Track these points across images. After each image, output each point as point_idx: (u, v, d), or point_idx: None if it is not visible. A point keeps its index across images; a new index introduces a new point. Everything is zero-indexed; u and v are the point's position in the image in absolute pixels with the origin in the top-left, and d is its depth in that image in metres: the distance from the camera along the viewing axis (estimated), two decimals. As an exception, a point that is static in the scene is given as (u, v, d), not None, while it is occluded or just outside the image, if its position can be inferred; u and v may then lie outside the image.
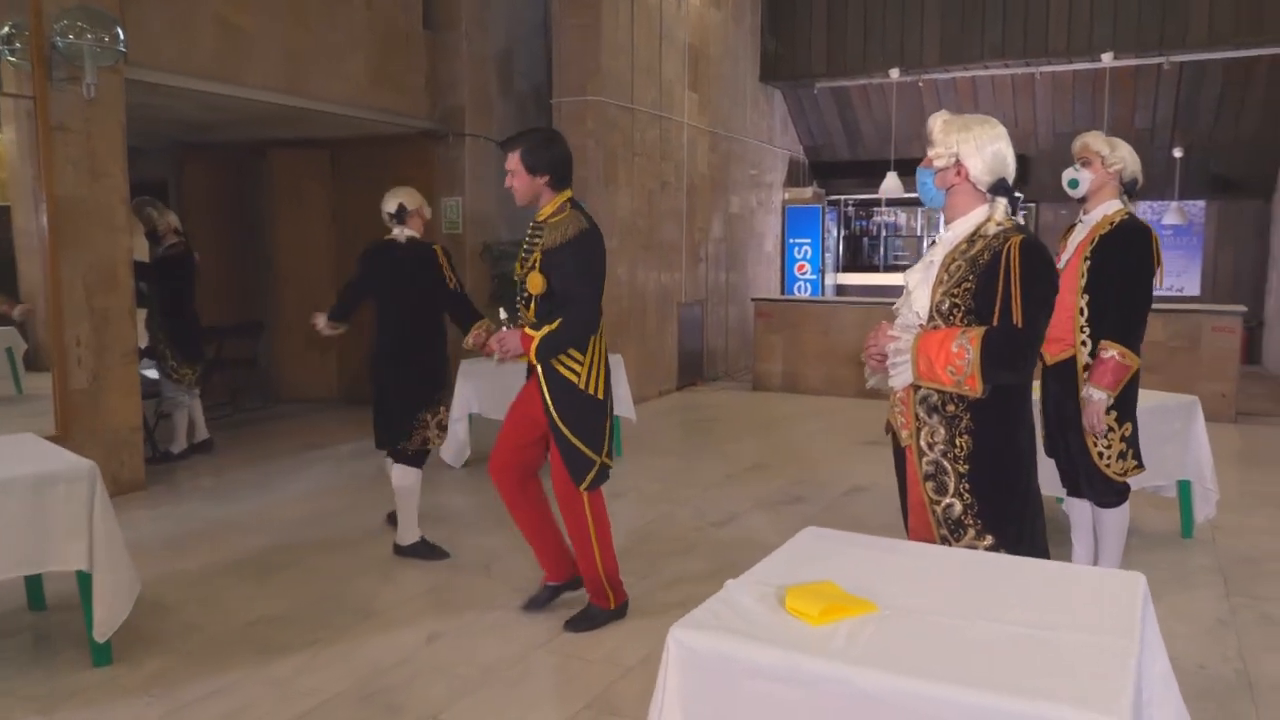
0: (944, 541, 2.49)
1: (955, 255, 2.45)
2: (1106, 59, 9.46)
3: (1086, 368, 3.53)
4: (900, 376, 2.46)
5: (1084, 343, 3.54)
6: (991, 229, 2.41)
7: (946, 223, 2.54)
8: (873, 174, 13.21)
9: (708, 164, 10.19)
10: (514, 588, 4.07)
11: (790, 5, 11.12)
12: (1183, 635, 3.56)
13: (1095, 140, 3.65)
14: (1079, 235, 3.65)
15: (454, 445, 6.33)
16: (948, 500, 2.47)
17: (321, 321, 4.60)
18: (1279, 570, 4.37)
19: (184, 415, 6.68)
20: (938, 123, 2.51)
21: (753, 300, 10.12)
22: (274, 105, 6.72)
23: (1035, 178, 12.60)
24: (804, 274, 12.35)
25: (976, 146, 2.43)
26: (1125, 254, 3.48)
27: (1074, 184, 3.65)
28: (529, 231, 3.58)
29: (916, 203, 13.01)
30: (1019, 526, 2.46)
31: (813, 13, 11.00)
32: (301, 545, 4.71)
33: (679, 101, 9.49)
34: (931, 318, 2.46)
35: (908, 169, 11.16)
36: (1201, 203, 12.02)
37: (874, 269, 13.32)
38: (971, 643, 1.80)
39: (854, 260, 13.45)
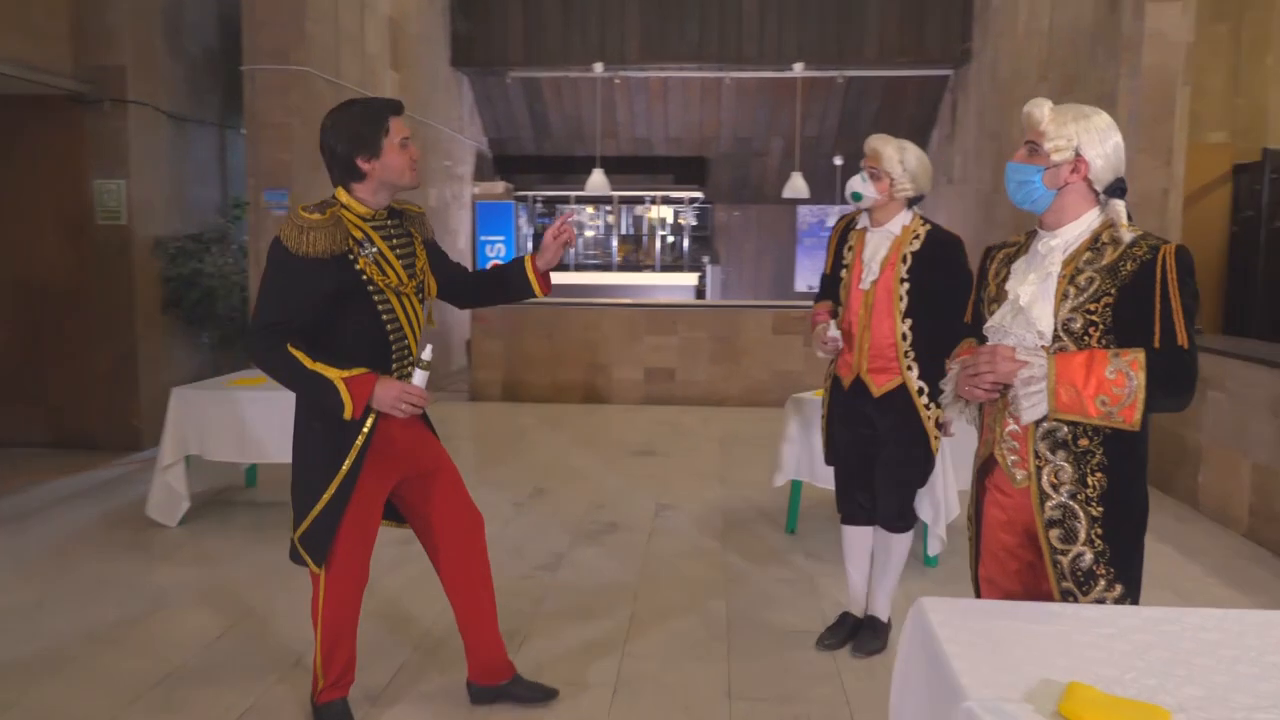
0: (1067, 596, 2.11)
1: (1079, 265, 2.08)
2: (798, 69, 9.95)
3: (921, 391, 3.26)
4: (1035, 409, 2.03)
5: (909, 367, 3.26)
6: (1125, 235, 2.06)
7: (1051, 227, 2.14)
8: (560, 170, 12.96)
9: (409, 152, 9.18)
10: (366, 693, 3.08)
11: (483, -13, 10.41)
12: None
13: (884, 146, 3.28)
14: (880, 251, 3.28)
15: (167, 498, 4.91)
16: (1078, 549, 2.09)
17: None
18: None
19: None
20: (1045, 111, 2.10)
21: (469, 303, 9.30)
22: None
23: (714, 179, 13.10)
24: (498, 274, 11.71)
25: (1099, 138, 2.07)
26: (947, 266, 3.23)
27: (857, 197, 3.26)
28: (380, 223, 2.65)
29: (607, 200, 12.96)
30: (1141, 570, 2.15)
31: (508, -2, 10.39)
32: (-1, 674, 3.25)
33: (382, 81, 8.41)
34: (1057, 338, 2.07)
35: (609, 166, 11.07)
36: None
37: (564, 268, 13.03)
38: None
39: (543, 259, 13.07)
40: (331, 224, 2.51)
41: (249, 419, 4.90)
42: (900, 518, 3.41)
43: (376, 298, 2.58)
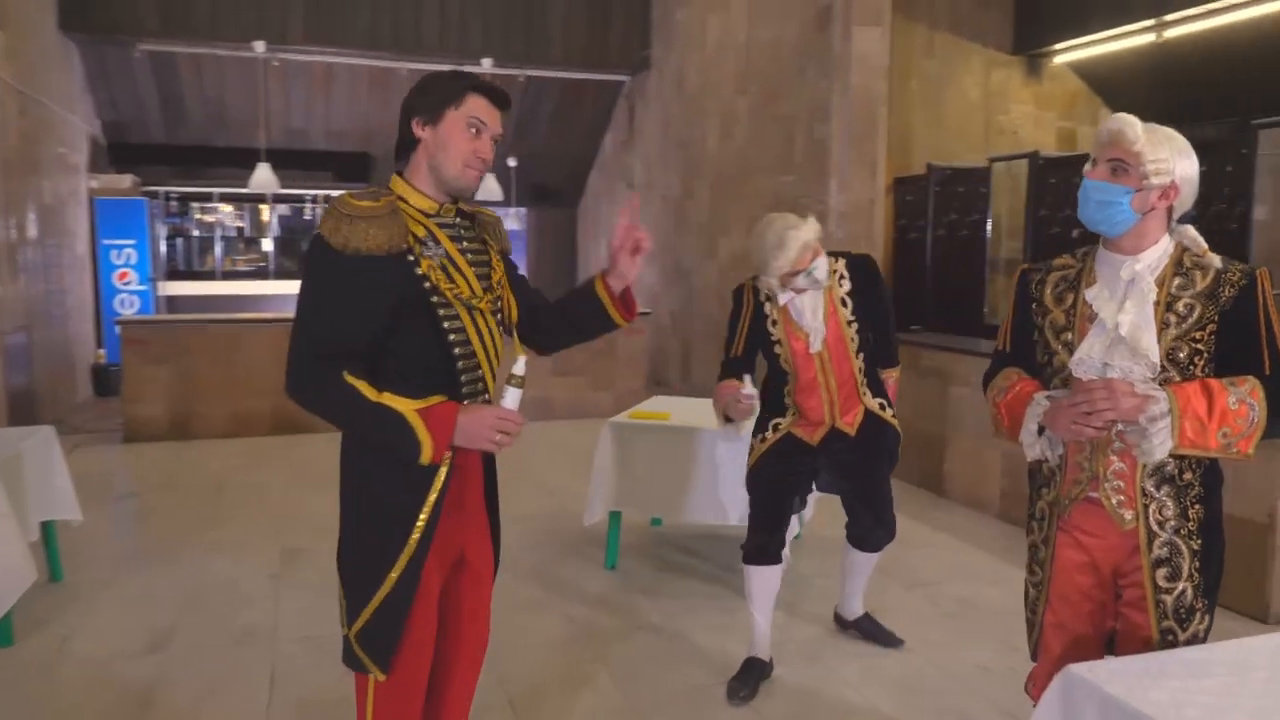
0: (1167, 635, 2.01)
1: (1172, 292, 1.97)
2: (487, 64, 9.45)
3: (882, 407, 3.33)
4: (1163, 446, 1.89)
5: (864, 393, 3.28)
6: (1215, 260, 1.99)
7: (1129, 251, 2.01)
8: (194, 161, 11.29)
9: (18, 134, 7.30)
10: None
11: (100, -64, 8.59)
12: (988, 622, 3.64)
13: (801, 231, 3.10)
14: (818, 310, 3.15)
15: None
16: (1181, 585, 2.00)
17: None
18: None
19: None
20: (1138, 130, 1.96)
21: (118, 323, 7.61)
22: None
23: (379, 178, 12.14)
24: (127, 284, 9.82)
25: (1189, 163, 1.98)
26: (874, 286, 3.28)
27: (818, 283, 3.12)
28: (446, 221, 2.03)
29: (259, 199, 11.44)
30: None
31: (135, -46, 8.68)
32: None
33: (-15, 41, 6.57)
34: (1162, 368, 1.95)
35: (279, 160, 9.75)
36: (524, 209, 13.01)
37: (208, 277, 11.29)
38: None
39: (180, 268, 11.20)
40: (388, 213, 1.88)
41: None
42: (891, 533, 3.46)
43: (443, 311, 1.93)
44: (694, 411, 4.62)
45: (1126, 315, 1.98)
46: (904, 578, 4.38)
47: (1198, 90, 8.09)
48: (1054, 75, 9.19)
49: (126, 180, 9.92)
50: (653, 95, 10.21)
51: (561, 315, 2.22)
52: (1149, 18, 7.79)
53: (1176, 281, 1.98)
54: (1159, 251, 2.02)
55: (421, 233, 1.94)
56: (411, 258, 1.89)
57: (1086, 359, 2.02)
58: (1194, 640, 2.02)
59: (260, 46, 8.86)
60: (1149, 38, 8.01)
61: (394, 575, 1.91)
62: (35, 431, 4.26)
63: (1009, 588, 4.21)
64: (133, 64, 9.62)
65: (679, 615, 3.95)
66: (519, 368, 1.94)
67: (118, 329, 7.62)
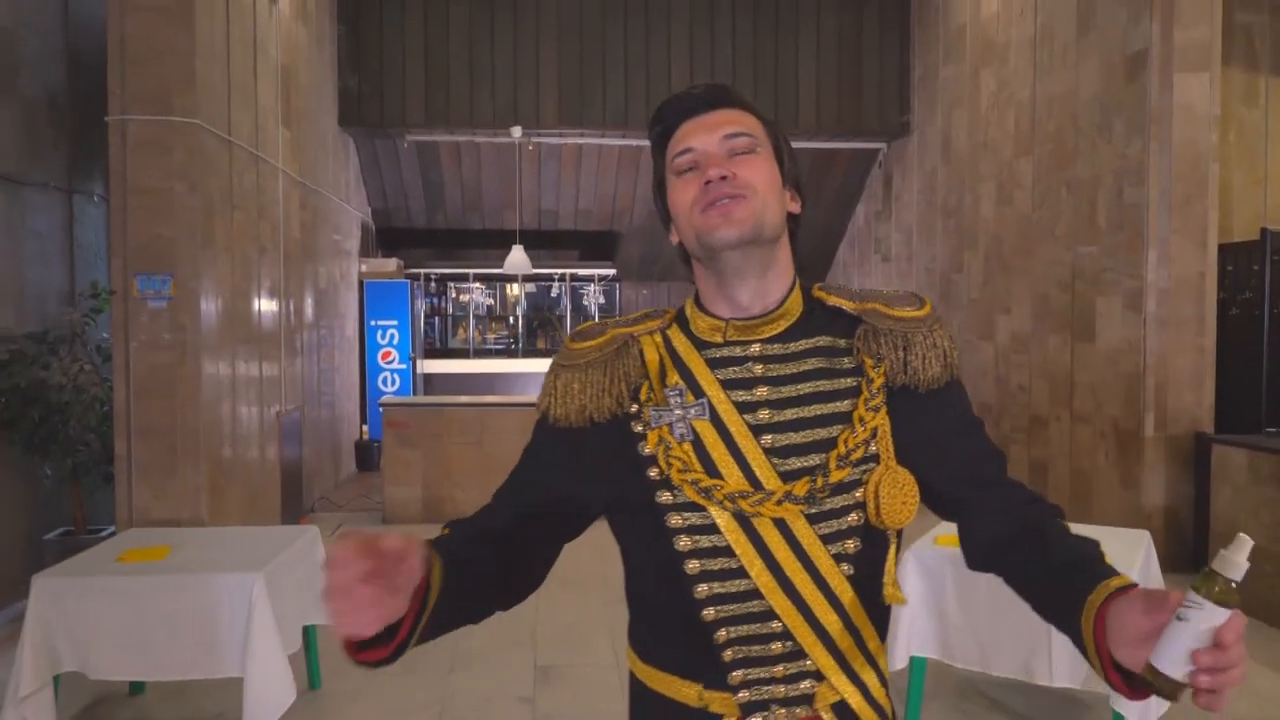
0: None
1: None
2: (738, 137, 9.14)
3: None
4: None
5: None
6: None
7: None
8: (450, 244, 11.70)
9: (299, 224, 7.69)
10: None
11: (375, 40, 9.09)
12: None
13: None
14: None
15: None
16: None
17: None
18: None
19: None
20: None
21: (381, 405, 7.79)
22: None
23: (624, 255, 12.13)
24: (390, 363, 10.19)
25: None
26: None
27: None
28: (735, 349, 1.21)
29: (510, 279, 11.72)
30: None
31: (406, 52, 9.10)
32: None
33: (274, 139, 6.94)
34: None
35: (510, 240, 9.89)
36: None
37: (462, 355, 11.61)
38: None
39: (435, 346, 11.60)
40: (604, 359, 1.22)
41: (149, 616, 3.36)
42: None
43: (675, 518, 1.16)
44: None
45: None
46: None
47: None
48: None
49: (392, 263, 10.38)
50: (913, 161, 9.50)
51: (1024, 573, 1.16)
52: None
53: None
54: None
55: (674, 379, 1.21)
56: (638, 428, 1.19)
57: None
58: None
59: (517, 131, 9.00)
60: None
61: None
62: (303, 532, 4.14)
63: None
64: (400, 154, 10.11)
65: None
66: (1233, 561, 0.87)
67: (380, 409, 7.77)
